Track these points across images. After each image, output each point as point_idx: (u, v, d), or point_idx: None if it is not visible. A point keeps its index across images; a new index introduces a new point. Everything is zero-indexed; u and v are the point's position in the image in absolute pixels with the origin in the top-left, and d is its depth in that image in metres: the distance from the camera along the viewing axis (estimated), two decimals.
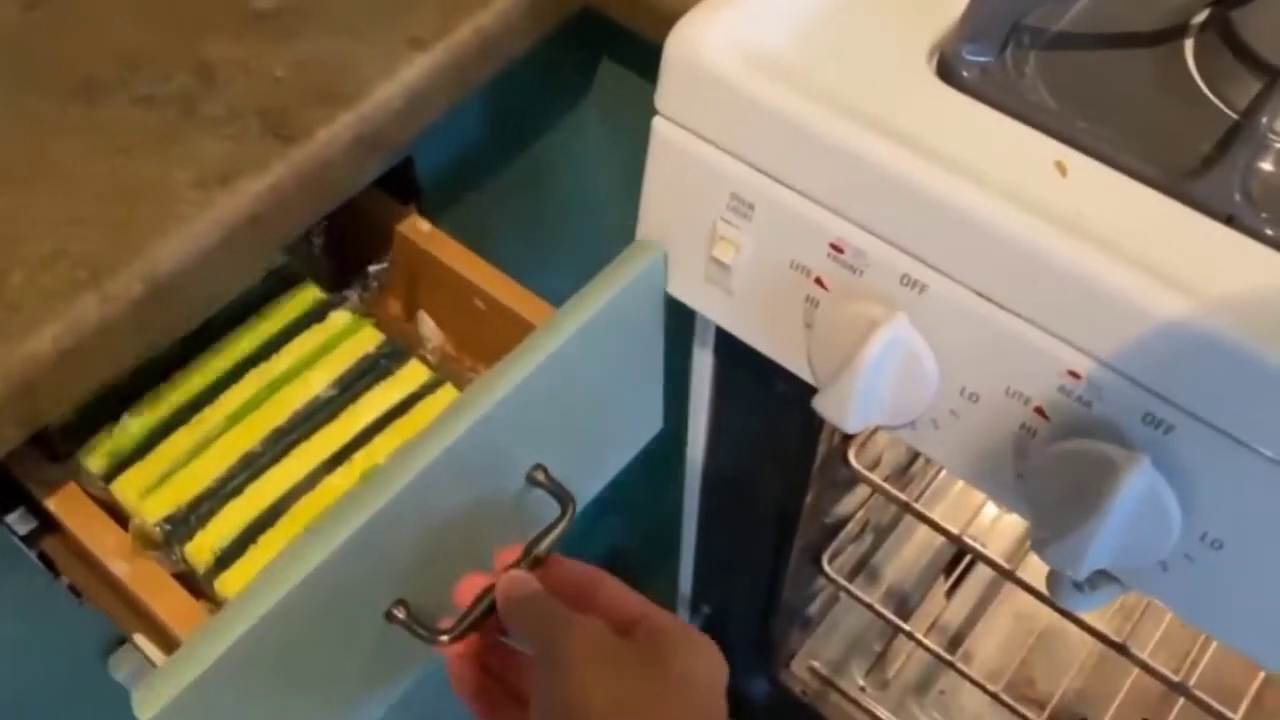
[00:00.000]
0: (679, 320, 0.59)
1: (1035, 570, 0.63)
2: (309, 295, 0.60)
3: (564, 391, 0.53)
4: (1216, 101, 0.47)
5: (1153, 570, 0.44)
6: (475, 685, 0.47)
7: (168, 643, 0.51)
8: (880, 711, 0.92)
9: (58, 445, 0.54)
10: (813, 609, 0.96)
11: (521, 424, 0.51)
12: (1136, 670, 0.74)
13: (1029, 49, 0.49)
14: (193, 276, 0.49)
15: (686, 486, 0.76)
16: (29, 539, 0.55)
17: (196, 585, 0.51)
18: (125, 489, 0.53)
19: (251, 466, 0.54)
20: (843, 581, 0.85)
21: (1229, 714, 0.70)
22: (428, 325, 0.64)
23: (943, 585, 0.97)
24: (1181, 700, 0.77)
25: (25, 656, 0.62)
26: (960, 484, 0.91)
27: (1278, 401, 0.38)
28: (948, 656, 0.83)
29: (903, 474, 0.89)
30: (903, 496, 0.74)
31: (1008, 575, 0.73)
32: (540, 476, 0.53)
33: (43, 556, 0.56)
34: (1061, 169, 0.44)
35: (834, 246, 0.47)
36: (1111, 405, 0.42)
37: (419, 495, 0.47)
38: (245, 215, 0.50)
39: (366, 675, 0.52)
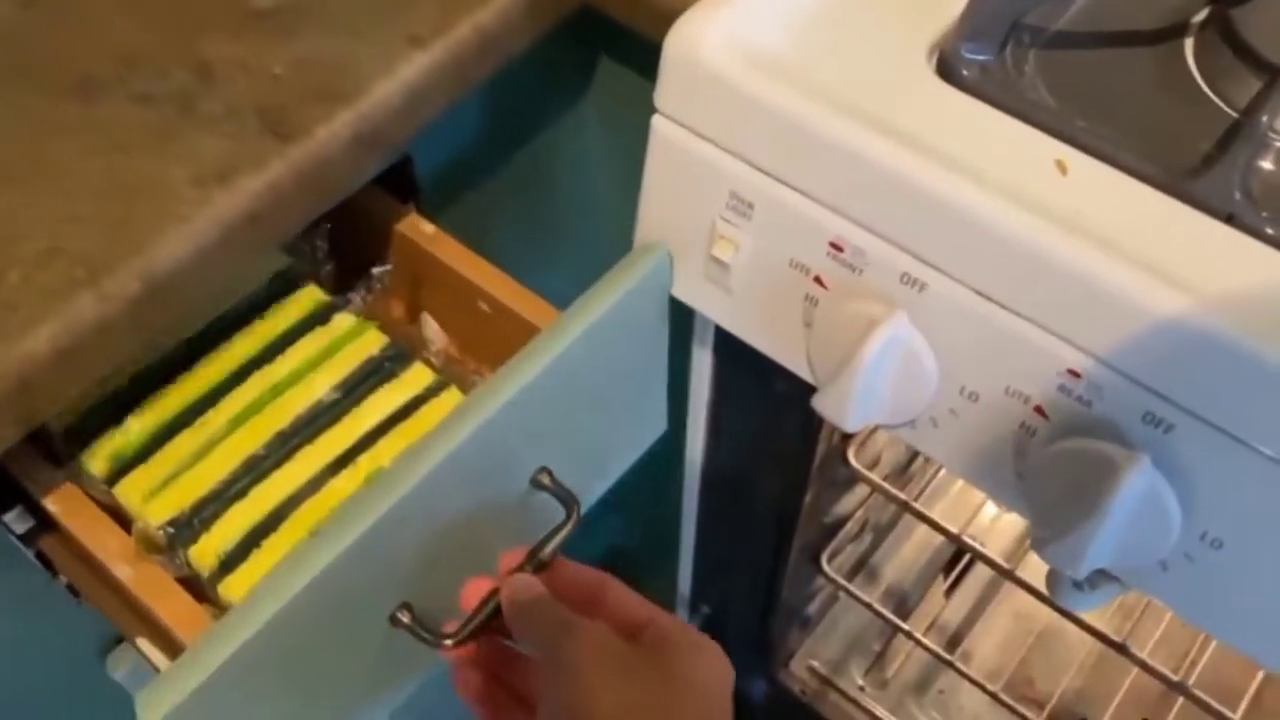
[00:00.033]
0: (678, 320, 0.59)
1: (1035, 569, 0.63)
2: (312, 298, 0.60)
3: (569, 394, 0.53)
4: (1216, 100, 0.47)
5: (1152, 569, 0.44)
6: (480, 689, 0.47)
7: (171, 647, 0.51)
8: (879, 711, 0.92)
9: (61, 449, 0.53)
10: (812, 608, 0.96)
11: (526, 427, 0.51)
12: (1136, 670, 0.74)
13: (1029, 47, 0.49)
14: (191, 275, 0.49)
15: (686, 486, 0.76)
16: (26, 538, 0.55)
17: (200, 589, 0.51)
18: (128, 492, 0.53)
19: (255, 470, 0.54)
20: (842, 581, 0.85)
21: (1228, 713, 0.70)
22: (431, 327, 0.64)
23: (942, 584, 0.97)
24: (1181, 699, 0.77)
25: (23, 655, 0.62)
26: (959, 483, 0.91)
27: (1278, 400, 0.38)
28: (947, 656, 0.83)
29: (902, 473, 0.89)
30: (902, 496, 0.74)
31: (1007, 575, 0.72)
32: (545, 480, 0.53)
33: (40, 556, 0.56)
34: (1061, 168, 0.44)
35: (833, 245, 0.47)
36: (1111, 404, 0.42)
37: (424, 499, 0.47)
38: (243, 213, 0.49)
39: (371, 680, 0.51)
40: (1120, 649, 0.71)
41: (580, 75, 0.72)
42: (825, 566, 0.84)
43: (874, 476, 0.75)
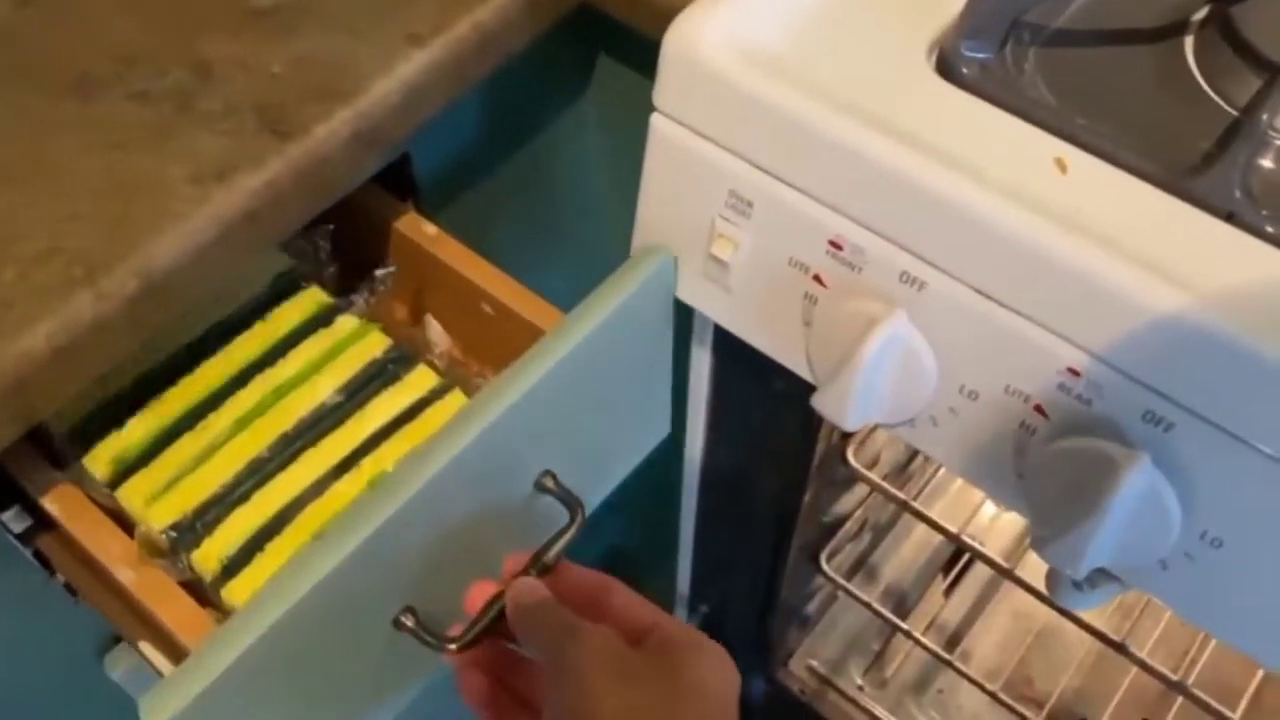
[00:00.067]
0: (677, 318, 0.59)
1: (1034, 569, 0.63)
2: (315, 300, 0.60)
3: (573, 397, 0.53)
4: (1216, 98, 0.47)
5: (1152, 568, 0.44)
6: (484, 693, 0.46)
7: (174, 651, 0.51)
8: (878, 710, 0.92)
9: (63, 451, 0.53)
10: (811, 608, 0.96)
11: (531, 430, 0.51)
12: (1135, 669, 0.74)
13: (1029, 45, 0.49)
14: (189, 274, 0.48)
15: (685, 485, 0.76)
16: (24, 537, 0.55)
17: (203, 593, 0.51)
18: (131, 496, 0.53)
19: (259, 473, 0.53)
20: (841, 580, 0.85)
21: (1228, 713, 0.70)
22: (435, 329, 0.64)
23: (941, 584, 0.97)
24: (1180, 699, 0.77)
25: (20, 655, 0.62)
26: (959, 482, 0.91)
27: (1278, 399, 0.38)
28: (946, 655, 0.83)
29: (901, 472, 0.89)
30: (901, 495, 0.74)
31: (1006, 574, 0.72)
32: (549, 483, 0.53)
33: (38, 555, 0.56)
34: (1061, 166, 0.44)
35: (833, 243, 0.47)
36: (1111, 403, 0.42)
37: (428, 503, 0.47)
38: (242, 211, 0.49)
39: (374, 684, 0.51)
40: (1119, 648, 0.71)
41: (579, 73, 0.72)
42: (824, 566, 0.84)
43: (873, 475, 0.75)
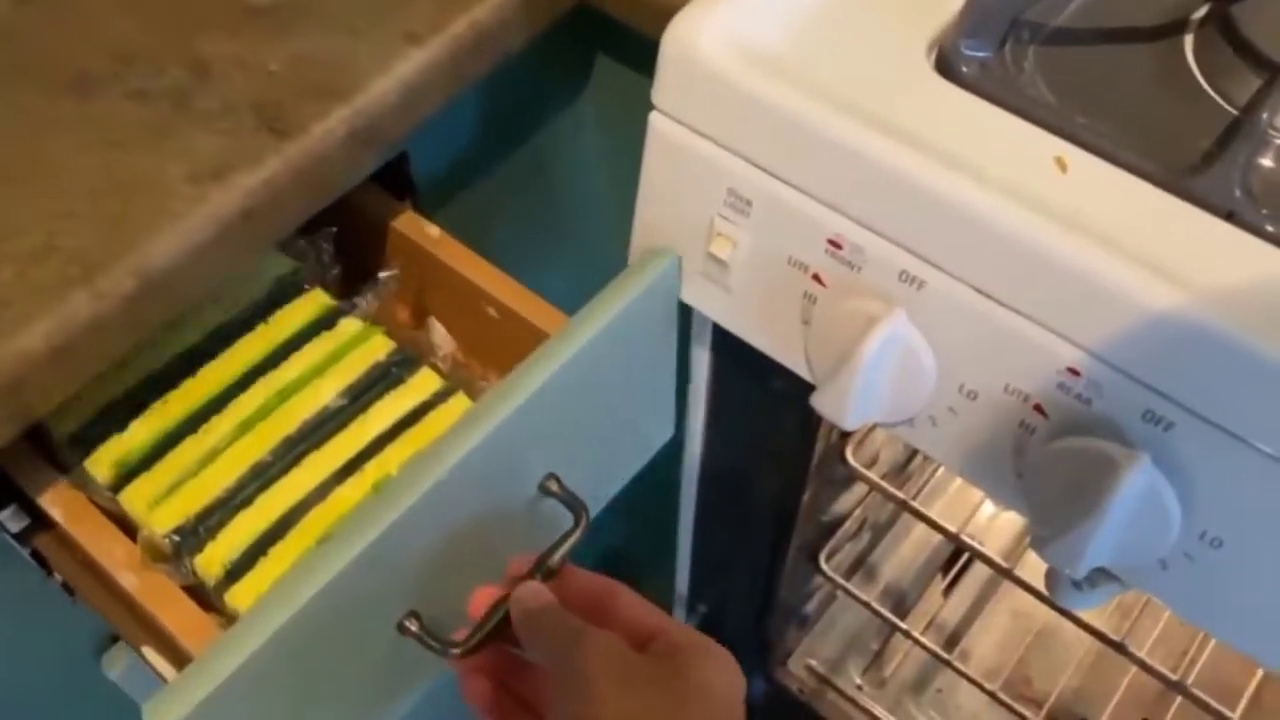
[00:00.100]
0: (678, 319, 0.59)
1: (1033, 568, 0.63)
2: (318, 302, 0.59)
3: (577, 400, 0.53)
4: (1216, 97, 0.47)
5: (1152, 568, 0.44)
6: (488, 698, 0.46)
7: (177, 656, 0.51)
8: (877, 710, 0.92)
9: (65, 454, 0.53)
10: (810, 607, 0.95)
11: (535, 433, 0.51)
12: (1134, 669, 0.74)
13: (1028, 44, 0.49)
14: (186, 273, 0.48)
15: (684, 485, 0.76)
16: (21, 536, 0.55)
17: (206, 598, 0.51)
18: (133, 499, 0.52)
19: (261, 477, 0.53)
20: (840, 580, 0.85)
21: (1227, 712, 0.70)
22: (438, 332, 0.64)
23: (940, 583, 0.97)
24: (1179, 699, 0.77)
25: (18, 654, 0.62)
26: (958, 482, 0.91)
27: (1278, 398, 0.38)
28: (945, 655, 0.83)
29: (900, 472, 0.89)
30: (900, 494, 0.74)
31: (1005, 574, 0.72)
32: (553, 486, 0.52)
33: (35, 554, 0.56)
34: (1061, 165, 0.43)
35: (832, 242, 0.47)
36: (1111, 402, 0.42)
37: (432, 507, 0.46)
38: (239, 210, 0.49)
39: (378, 688, 0.51)
40: (1119, 648, 0.71)
41: (577, 72, 0.72)
42: (823, 565, 0.84)
43: (872, 475, 0.75)
